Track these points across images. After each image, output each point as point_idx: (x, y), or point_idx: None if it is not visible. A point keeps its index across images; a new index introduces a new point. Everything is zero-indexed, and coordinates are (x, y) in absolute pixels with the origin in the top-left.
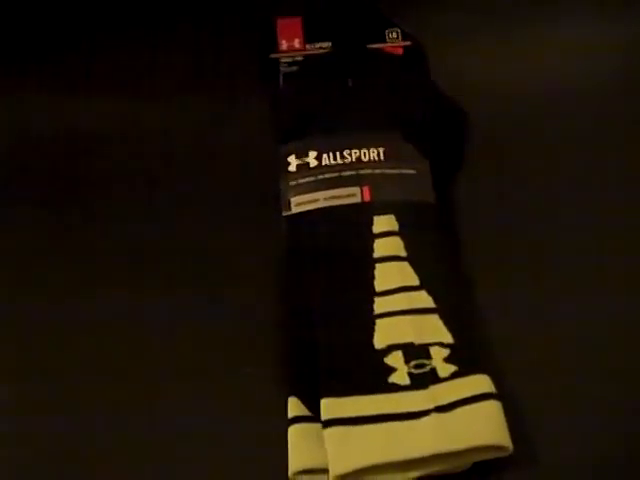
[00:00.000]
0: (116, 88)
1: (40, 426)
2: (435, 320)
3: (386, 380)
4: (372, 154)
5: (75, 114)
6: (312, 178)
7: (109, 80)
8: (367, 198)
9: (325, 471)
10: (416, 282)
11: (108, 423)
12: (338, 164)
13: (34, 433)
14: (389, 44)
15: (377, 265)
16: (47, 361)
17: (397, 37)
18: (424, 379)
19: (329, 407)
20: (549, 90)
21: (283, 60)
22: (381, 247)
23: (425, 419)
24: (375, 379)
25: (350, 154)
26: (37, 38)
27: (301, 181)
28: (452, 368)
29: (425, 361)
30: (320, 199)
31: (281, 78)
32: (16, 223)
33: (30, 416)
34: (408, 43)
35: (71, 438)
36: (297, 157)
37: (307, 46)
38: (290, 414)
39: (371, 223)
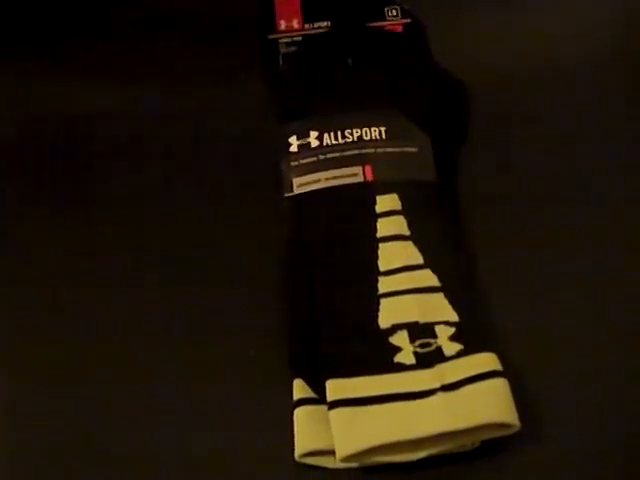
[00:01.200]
0: (115, 71)
1: (47, 422)
2: (440, 299)
3: (391, 360)
4: (374, 133)
5: (75, 97)
6: (314, 158)
7: (109, 64)
8: (369, 177)
9: (332, 452)
10: (420, 261)
11: (109, 407)
12: (339, 144)
13: (41, 430)
14: (389, 22)
15: (380, 245)
16: (56, 357)
17: (396, 15)
18: (430, 358)
19: (334, 388)
20: (549, 63)
21: (282, 40)
22: (384, 226)
23: (432, 398)
24: (380, 359)
25: (351, 133)
26: (38, 22)
27: (302, 161)
28: (458, 346)
29: (430, 340)
30: (322, 179)
31: (280, 58)
32: (16, 209)
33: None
34: (408, 20)
35: (78, 423)
36: (298, 137)
37: (306, 26)
38: (295, 396)
39: (374, 202)
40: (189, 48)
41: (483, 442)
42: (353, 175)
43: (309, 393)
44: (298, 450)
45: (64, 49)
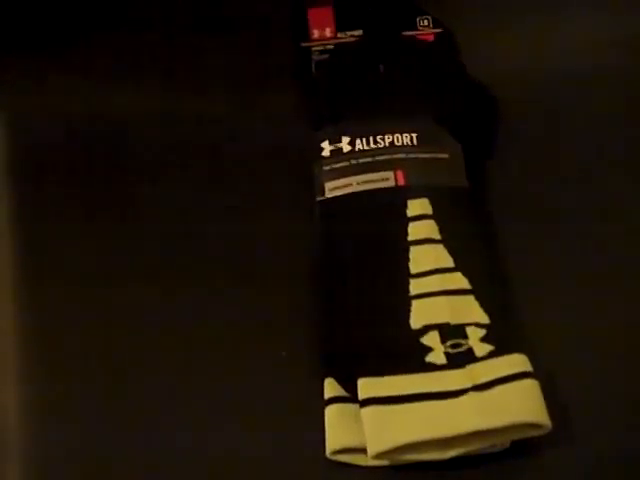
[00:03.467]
0: (150, 76)
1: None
2: (471, 301)
3: (423, 360)
4: (405, 139)
5: (108, 101)
6: (346, 163)
7: (142, 68)
8: (401, 182)
9: (363, 450)
10: (451, 264)
11: (140, 408)
12: (371, 149)
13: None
14: (420, 32)
15: (412, 248)
16: (77, 352)
17: (428, 24)
18: (461, 358)
19: (366, 387)
20: (581, 76)
21: (315, 49)
22: (415, 230)
23: (463, 397)
24: (411, 359)
25: (383, 139)
26: (65, 22)
27: (335, 166)
28: (489, 347)
29: (461, 341)
30: (354, 184)
31: (313, 66)
32: (47, 209)
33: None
34: (439, 30)
35: (102, 420)
36: (330, 143)
37: (338, 34)
38: (327, 395)
39: (405, 207)
40: (223, 55)
41: (513, 443)
42: (385, 180)
43: (340, 392)
44: (329, 447)
45: (97, 49)
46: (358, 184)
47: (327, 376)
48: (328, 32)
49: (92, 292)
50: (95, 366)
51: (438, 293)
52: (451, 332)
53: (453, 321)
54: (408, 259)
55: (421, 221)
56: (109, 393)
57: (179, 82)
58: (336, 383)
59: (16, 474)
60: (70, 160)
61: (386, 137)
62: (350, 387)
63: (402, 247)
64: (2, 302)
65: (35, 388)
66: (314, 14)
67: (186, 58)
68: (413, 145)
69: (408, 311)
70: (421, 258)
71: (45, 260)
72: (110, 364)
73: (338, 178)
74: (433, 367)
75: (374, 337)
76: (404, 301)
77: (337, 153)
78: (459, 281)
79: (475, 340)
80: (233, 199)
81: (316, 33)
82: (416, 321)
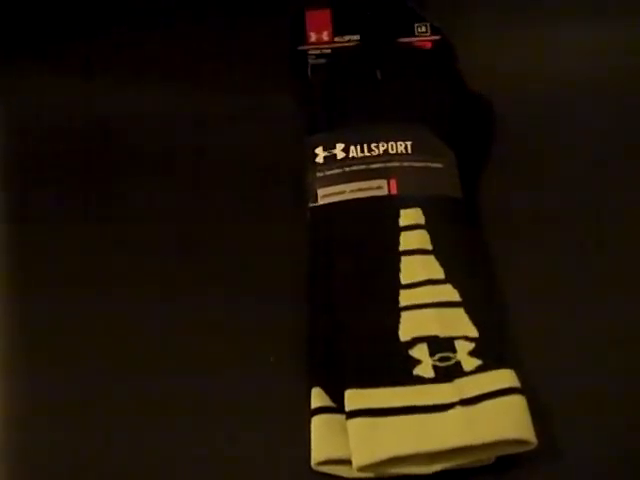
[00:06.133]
0: (145, 78)
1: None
2: (460, 314)
3: (411, 372)
4: (400, 147)
5: (100, 102)
6: (339, 170)
7: (135, 70)
8: (394, 191)
9: (348, 462)
10: (442, 275)
11: (125, 411)
12: (365, 156)
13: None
14: (418, 38)
15: (403, 258)
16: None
17: (426, 31)
18: (449, 372)
19: (353, 398)
20: (580, 86)
21: (311, 52)
22: (407, 240)
23: (450, 412)
24: (400, 371)
25: (378, 147)
26: (56, 23)
27: (328, 173)
28: (477, 362)
29: (450, 354)
30: (347, 191)
31: (309, 70)
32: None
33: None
34: (437, 37)
35: (93, 424)
36: (324, 149)
37: (336, 39)
38: (313, 405)
39: (397, 216)
40: (219, 58)
41: (498, 458)
42: (378, 188)
43: (327, 402)
44: (314, 458)
45: (91, 50)
46: (351, 192)
47: (314, 386)
48: (325, 36)
49: (79, 292)
50: (81, 366)
51: (428, 305)
52: (440, 345)
53: (442, 334)
54: (399, 269)
55: (413, 231)
56: (95, 394)
57: (176, 87)
58: (324, 393)
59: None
60: (62, 160)
61: (380, 145)
62: (337, 398)
63: (393, 257)
64: None
65: (20, 387)
66: (312, 17)
67: (182, 64)
68: (407, 153)
69: (397, 323)
70: (412, 269)
71: (31, 261)
72: (95, 365)
73: (331, 185)
74: (421, 380)
75: (363, 348)
76: (394, 312)
77: (331, 160)
78: (449, 293)
79: (463, 354)
80: (223, 203)
81: (313, 36)
82: (405, 333)
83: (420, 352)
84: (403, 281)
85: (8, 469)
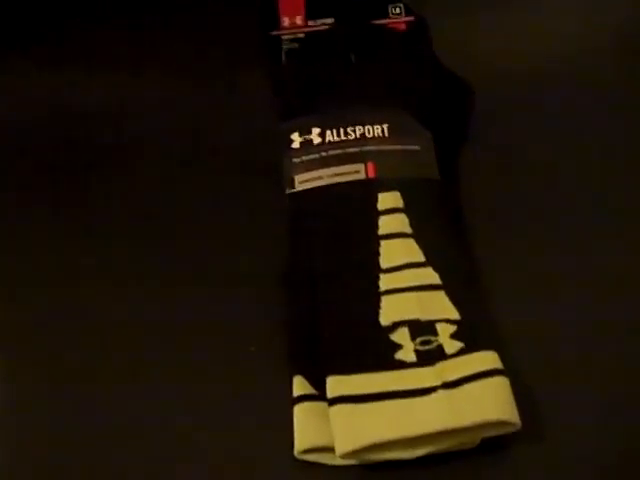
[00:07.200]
0: (114, 68)
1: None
2: (441, 296)
3: (392, 357)
4: (376, 130)
5: (74, 95)
6: (316, 155)
7: (107, 61)
8: (371, 175)
9: (331, 449)
10: (422, 259)
11: (108, 404)
12: (342, 141)
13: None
14: (392, 19)
15: (382, 242)
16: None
17: (400, 12)
18: (431, 356)
19: (335, 385)
20: (550, 61)
21: (285, 37)
22: (386, 224)
23: (432, 396)
24: (381, 356)
25: (354, 130)
26: (40, 15)
27: (305, 158)
28: (459, 344)
29: (431, 338)
30: (324, 176)
31: (283, 55)
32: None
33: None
34: (411, 18)
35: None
36: (300, 134)
37: (309, 22)
38: (295, 393)
39: (376, 200)
40: (190, 45)
41: (483, 440)
42: (355, 172)
43: (309, 389)
44: (297, 446)
45: (65, 43)
46: (329, 177)
47: (296, 374)
48: (299, 20)
49: (60, 291)
50: (62, 366)
51: (408, 289)
52: (421, 329)
53: (423, 317)
54: (378, 254)
55: (392, 215)
56: (76, 393)
57: (145, 75)
58: (305, 381)
59: None
60: (40, 154)
61: (357, 128)
62: (319, 385)
63: (372, 241)
64: None
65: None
66: (284, 1)
67: (152, 51)
68: (384, 137)
69: (378, 307)
70: (391, 253)
71: (11, 259)
72: (78, 363)
73: (308, 171)
74: (403, 365)
75: (343, 334)
76: (374, 297)
77: (307, 145)
78: (430, 276)
79: (445, 337)
80: (200, 194)
81: (286, 21)
82: (386, 318)
83: (401, 336)
84: (383, 265)
85: None
